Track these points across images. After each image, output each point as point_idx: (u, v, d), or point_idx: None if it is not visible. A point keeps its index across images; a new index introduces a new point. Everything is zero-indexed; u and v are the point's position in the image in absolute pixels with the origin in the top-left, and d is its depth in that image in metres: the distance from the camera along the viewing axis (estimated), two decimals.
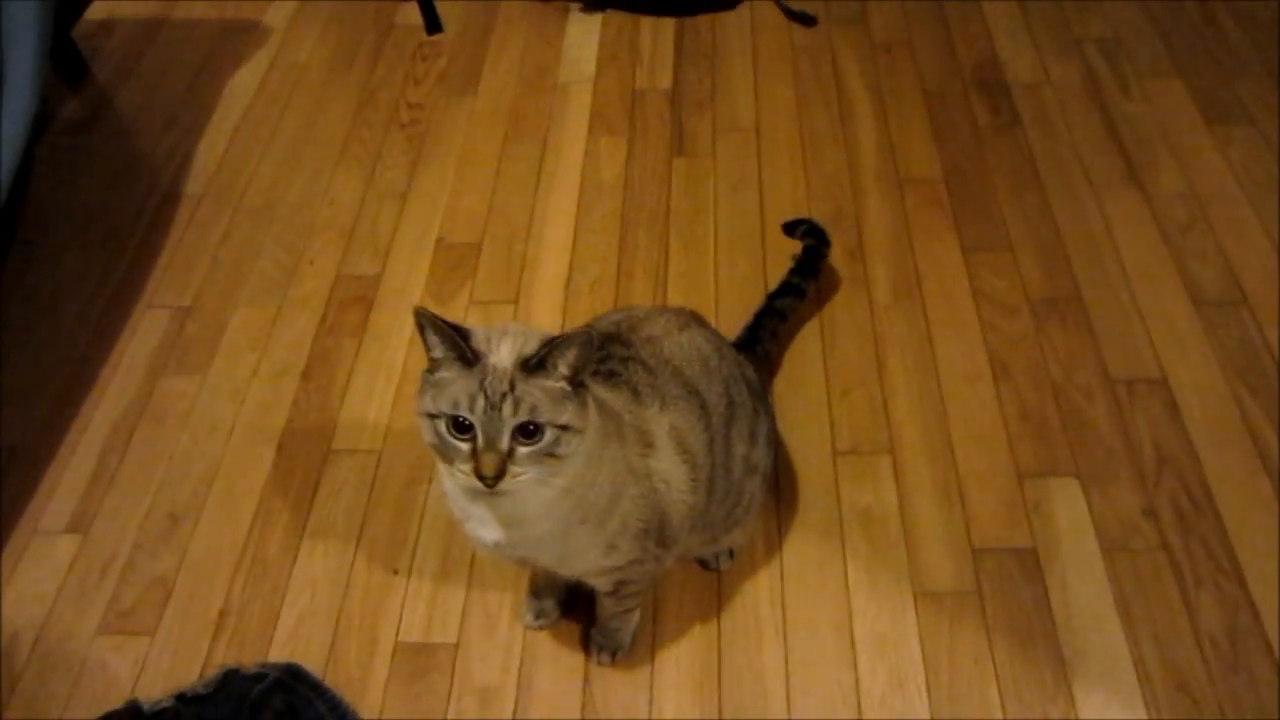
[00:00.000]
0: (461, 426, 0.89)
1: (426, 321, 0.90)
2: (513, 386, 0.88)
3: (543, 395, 0.89)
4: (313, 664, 1.24)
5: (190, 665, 1.26)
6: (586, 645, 1.25)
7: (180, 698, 1.20)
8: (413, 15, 2.18)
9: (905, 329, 1.56)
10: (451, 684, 1.23)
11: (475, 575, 1.32)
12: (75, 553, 1.37)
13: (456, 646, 1.26)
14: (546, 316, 1.60)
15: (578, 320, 1.59)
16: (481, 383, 0.88)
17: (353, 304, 1.65)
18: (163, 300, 1.68)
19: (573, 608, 1.28)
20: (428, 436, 0.93)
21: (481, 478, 0.89)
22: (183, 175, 1.90)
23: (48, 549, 1.37)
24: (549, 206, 1.77)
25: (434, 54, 2.10)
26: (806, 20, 2.07)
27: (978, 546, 1.32)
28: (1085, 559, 1.30)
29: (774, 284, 1.52)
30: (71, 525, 1.40)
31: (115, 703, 1.21)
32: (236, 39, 2.18)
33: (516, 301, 1.63)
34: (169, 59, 2.16)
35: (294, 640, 1.28)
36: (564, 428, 0.90)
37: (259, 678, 1.23)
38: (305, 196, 1.83)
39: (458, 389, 0.89)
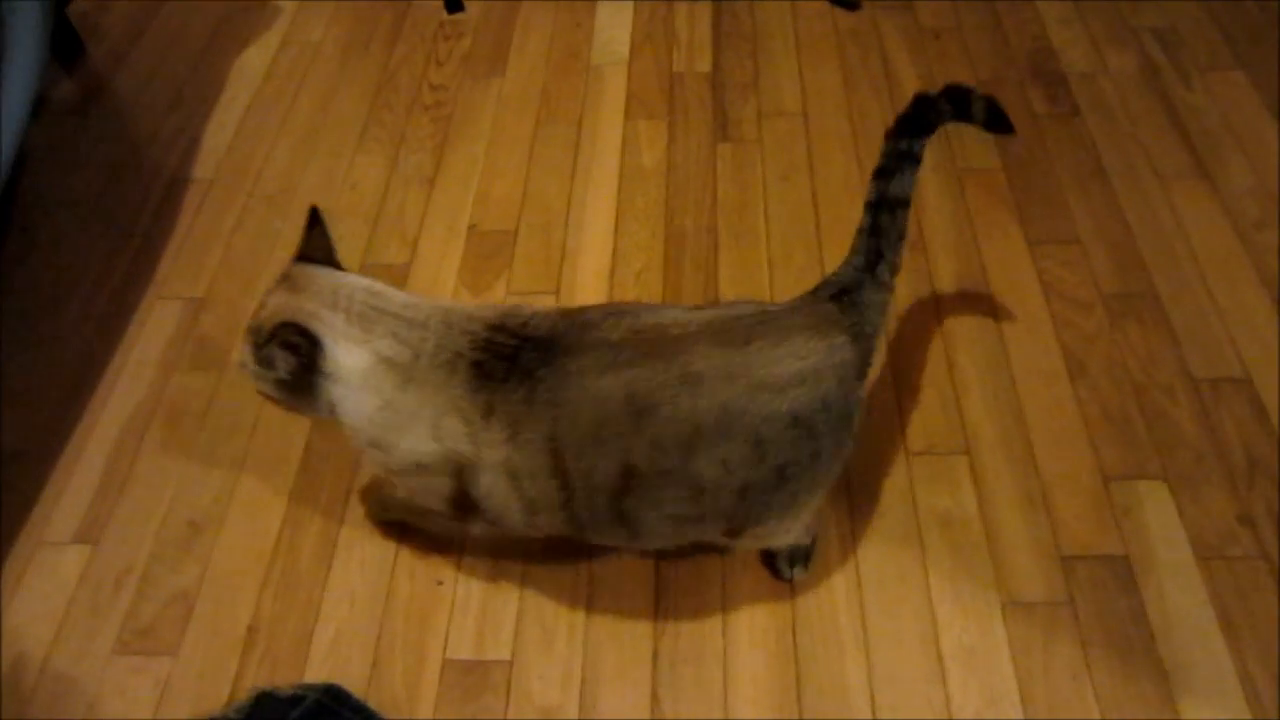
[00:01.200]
0: None
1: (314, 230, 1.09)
2: (251, 342, 1.02)
3: (263, 377, 1.02)
4: (354, 684, 1.13)
5: (218, 687, 1.15)
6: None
7: None
8: None
9: (974, 324, 1.47)
10: (508, 705, 1.13)
11: (528, 585, 1.22)
12: (85, 565, 1.25)
13: (511, 664, 1.16)
14: None
15: None
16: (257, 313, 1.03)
17: None
18: (173, 291, 1.56)
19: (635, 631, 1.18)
20: None
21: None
22: (190, 159, 1.78)
23: (54, 561, 1.25)
24: (588, 193, 1.67)
25: (456, 34, 1.99)
26: (849, 4, 1.98)
27: (1066, 554, 1.23)
28: (1180, 567, 1.22)
29: (829, 269, 1.43)
30: (80, 535, 1.28)
31: None
32: (243, 17, 2.06)
33: (558, 293, 1.53)
34: (171, 38, 2.04)
35: (332, 658, 1.17)
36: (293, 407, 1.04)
37: (296, 701, 1.12)
38: (324, 181, 1.72)
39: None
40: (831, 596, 1.21)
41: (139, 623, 1.20)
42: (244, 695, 1.12)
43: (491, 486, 0.99)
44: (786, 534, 1.14)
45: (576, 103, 1.84)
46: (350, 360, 0.98)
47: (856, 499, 1.29)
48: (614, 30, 1.98)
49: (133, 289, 1.56)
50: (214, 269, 1.58)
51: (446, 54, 1.95)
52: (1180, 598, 1.19)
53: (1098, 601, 1.19)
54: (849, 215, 1.61)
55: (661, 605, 1.20)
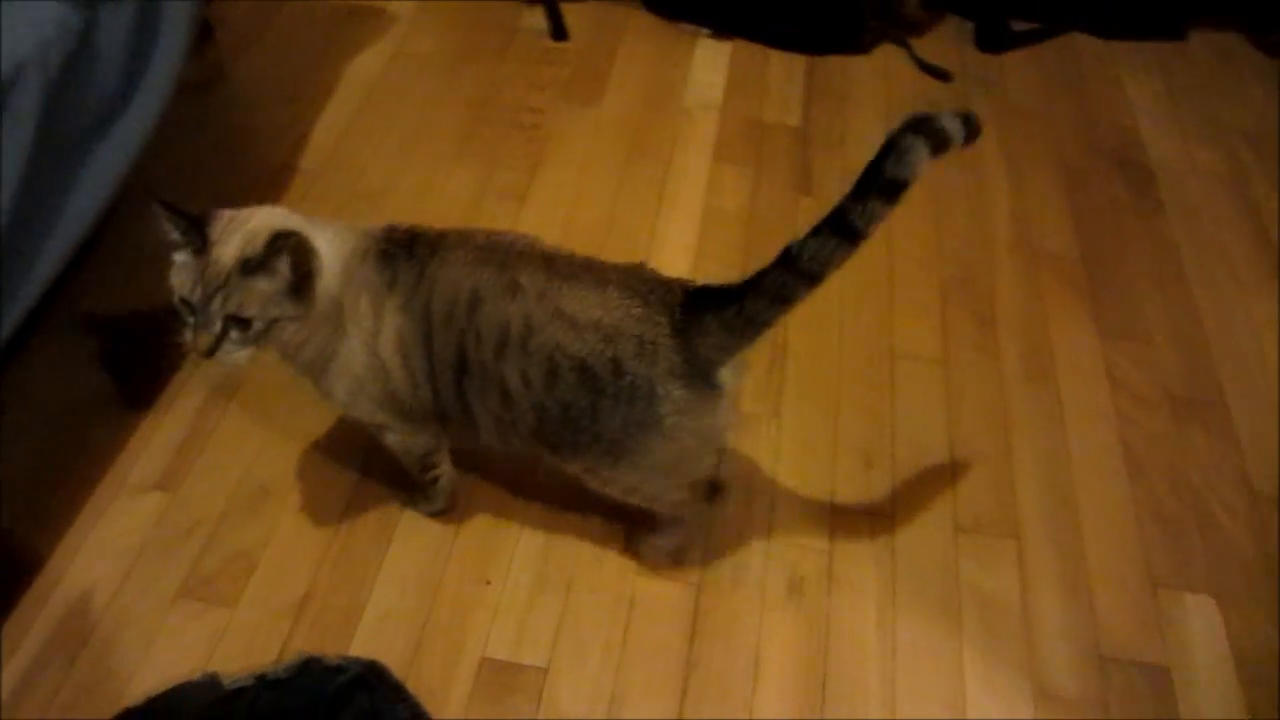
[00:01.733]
0: (187, 306, 1.02)
1: (160, 211, 1.02)
2: (227, 281, 1.00)
3: (256, 294, 1.01)
4: (394, 665, 1.16)
5: (268, 646, 1.20)
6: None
7: (260, 679, 1.14)
8: (538, 20, 2.17)
9: (1035, 408, 1.50)
10: (538, 709, 1.16)
11: (572, 598, 1.26)
12: (161, 512, 1.32)
13: (545, 671, 1.20)
14: None
15: None
16: (202, 273, 1.01)
17: None
18: None
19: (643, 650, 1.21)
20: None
21: (200, 354, 1.02)
22: (299, 151, 1.87)
23: (133, 505, 1.32)
24: (669, 228, 1.73)
25: (558, 60, 2.08)
26: (941, 75, 2.03)
27: (1105, 654, 1.24)
28: (1222, 687, 1.22)
29: (898, 335, 1.47)
30: (161, 483, 1.35)
31: (187, 671, 1.15)
32: (361, 23, 2.16)
33: None
34: (292, 35, 2.15)
35: (377, 638, 1.22)
36: (275, 320, 1.03)
37: (339, 670, 1.17)
38: (421, 187, 1.80)
39: (185, 274, 1.02)
40: (864, 656, 1.23)
41: (203, 572, 1.26)
42: (291, 657, 1.18)
43: (390, 357, 1.12)
44: (629, 494, 1.19)
45: (667, 140, 1.90)
46: (328, 250, 1.08)
47: (900, 563, 1.31)
48: (709, 74, 2.05)
49: None
50: None
51: (547, 79, 2.04)
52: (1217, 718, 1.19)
53: (1132, 708, 1.20)
54: (921, 282, 1.66)
55: (697, 637, 1.24)
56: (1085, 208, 1.79)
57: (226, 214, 1.04)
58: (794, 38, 2.08)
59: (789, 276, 1.03)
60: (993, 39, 2.11)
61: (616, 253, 1.70)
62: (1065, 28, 2.16)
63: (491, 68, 2.05)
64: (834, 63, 2.08)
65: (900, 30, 2.11)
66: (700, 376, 1.05)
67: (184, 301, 1.02)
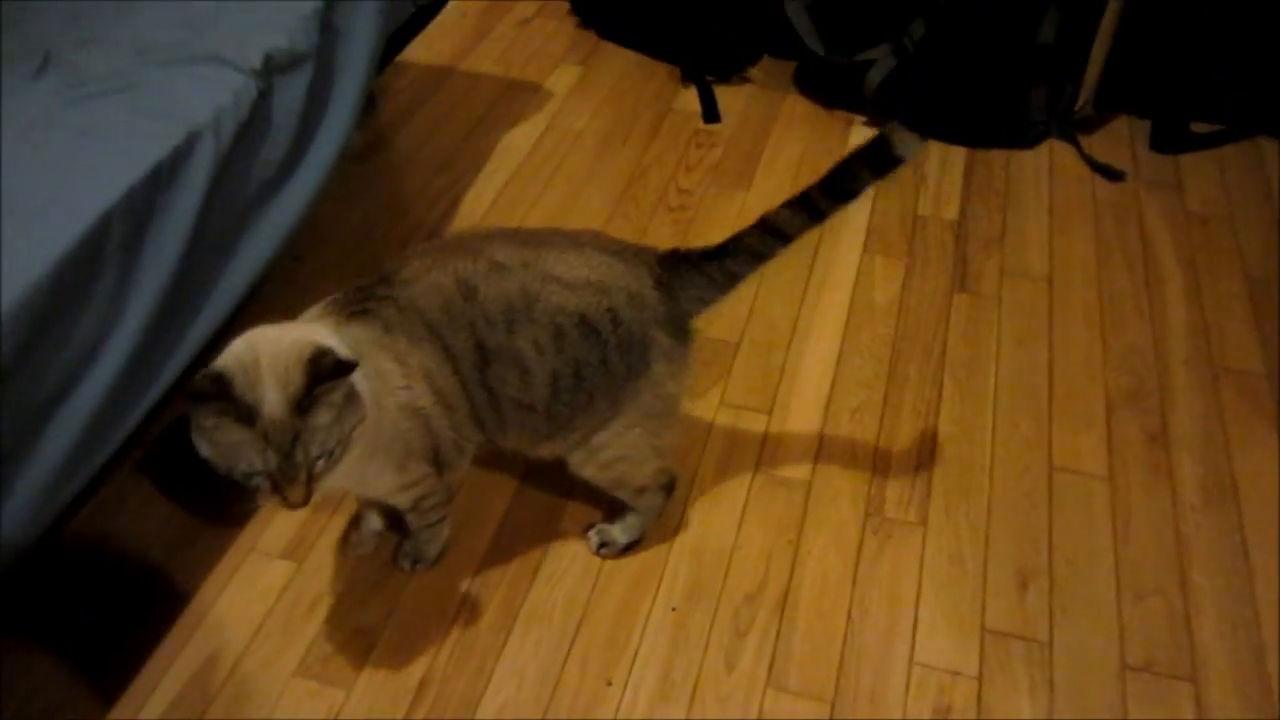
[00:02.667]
0: (258, 474, 0.94)
1: (193, 399, 0.92)
2: (293, 433, 0.93)
3: (323, 429, 0.94)
4: None
5: None
6: (395, 557, 1.32)
7: None
8: (692, 102, 2.17)
9: (1216, 537, 1.35)
10: None
11: (695, 708, 1.19)
12: (287, 581, 1.31)
13: None
14: (801, 438, 1.48)
15: (835, 448, 1.47)
16: (266, 438, 0.92)
17: None
18: None
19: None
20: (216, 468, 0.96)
21: (294, 507, 0.96)
22: (449, 219, 1.91)
23: (261, 571, 1.33)
24: (814, 319, 1.67)
25: (709, 143, 2.07)
26: (1112, 175, 1.93)
27: None
28: None
29: (1058, 447, 1.36)
30: (287, 551, 1.35)
31: None
32: (517, 98, 2.22)
33: (771, 412, 1.52)
34: (451, 107, 2.22)
35: None
36: (347, 437, 0.97)
37: None
38: None
39: (243, 449, 0.92)
40: None
41: (323, 650, 1.24)
42: None
43: (424, 399, 1.09)
44: (612, 467, 1.21)
45: (815, 229, 1.85)
46: (337, 342, 1.02)
47: (1060, 699, 1.19)
48: None
49: None
50: None
51: (697, 161, 2.03)
52: None
53: None
54: (1085, 392, 1.55)
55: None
56: (1274, 322, 1.65)
57: (229, 364, 0.94)
58: (955, 129, 2.02)
59: (768, 237, 1.15)
60: (1170, 140, 1.99)
61: (756, 342, 1.68)
62: (1250, 131, 2.02)
63: (642, 147, 2.06)
64: (996, 156, 2.00)
65: (1069, 126, 2.02)
66: (679, 326, 1.16)
67: (253, 474, 0.94)
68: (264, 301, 1.72)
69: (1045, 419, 1.51)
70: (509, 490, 1.42)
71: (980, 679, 1.22)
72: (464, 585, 1.31)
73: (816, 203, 1.12)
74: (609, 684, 1.21)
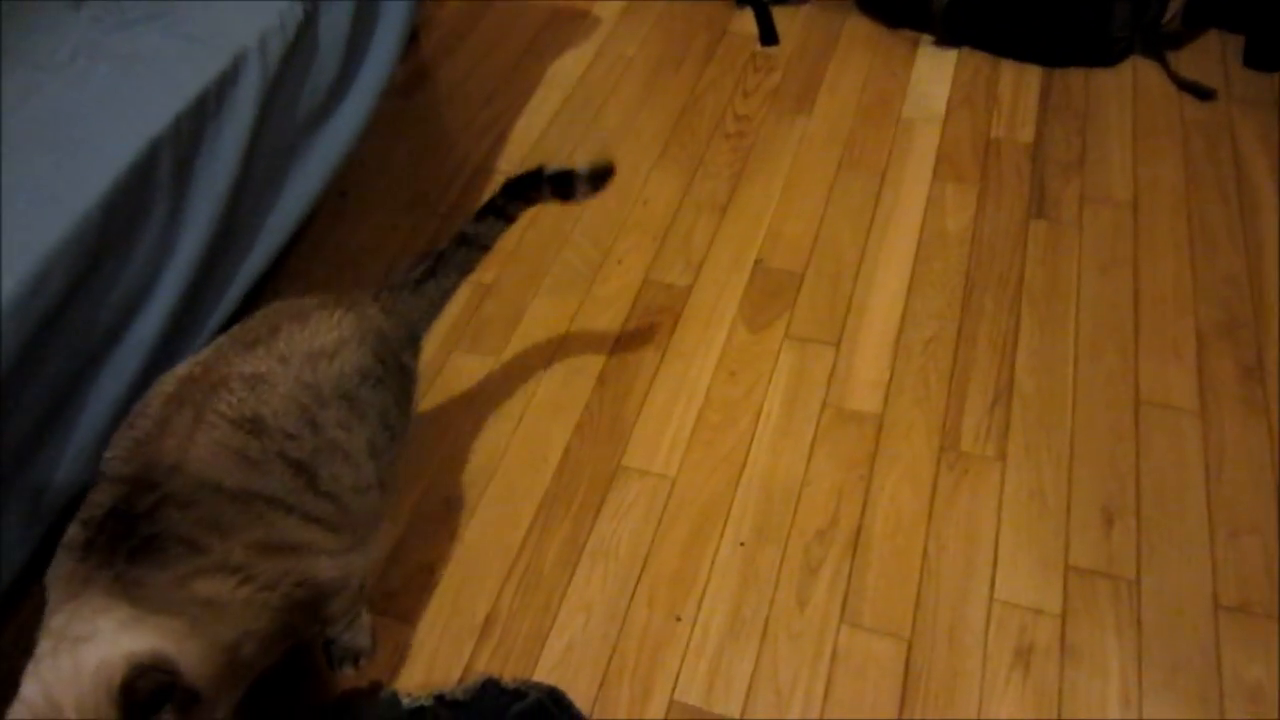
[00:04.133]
0: None
1: None
2: None
3: None
4: (578, 698, 1.10)
5: (449, 667, 1.15)
6: (330, 663, 1.11)
7: (439, 699, 1.10)
8: (748, 24, 2.07)
9: None
10: None
11: (768, 643, 1.15)
12: None
13: None
14: (872, 371, 1.43)
15: (907, 381, 1.41)
16: None
17: (659, 313, 1.53)
18: None
19: None
20: None
21: None
22: (497, 152, 1.85)
23: None
24: (883, 248, 1.60)
25: (767, 66, 1.98)
26: (1202, 93, 1.81)
27: None
28: None
29: (1145, 380, 1.29)
30: None
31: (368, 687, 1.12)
32: (565, 25, 2.14)
33: (839, 345, 1.46)
34: (495, 36, 2.14)
35: (561, 667, 1.14)
36: None
37: (519, 695, 1.11)
38: (618, 193, 1.74)
39: None
40: None
41: (388, 585, 1.22)
42: (472, 679, 1.12)
43: (278, 574, 0.91)
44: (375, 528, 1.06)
45: (882, 154, 1.77)
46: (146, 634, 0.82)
47: (1148, 639, 1.14)
48: (932, 84, 1.90)
49: None
50: (504, 259, 1.63)
51: (755, 85, 1.94)
52: None
53: None
54: (1174, 323, 1.47)
55: (908, 701, 1.10)
56: None
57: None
58: (1030, 47, 1.90)
59: (469, 249, 1.20)
60: (1267, 55, 1.85)
61: (823, 271, 1.62)
62: None
63: (696, 72, 1.98)
64: (1074, 75, 1.88)
65: (1156, 42, 1.89)
66: (416, 347, 1.17)
67: None
68: (312, 240, 1.69)
69: (1131, 351, 1.43)
70: (569, 426, 1.38)
71: (1064, 617, 1.17)
72: (527, 521, 1.28)
73: (504, 208, 1.22)
74: (678, 619, 1.18)
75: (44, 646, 0.79)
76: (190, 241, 1.16)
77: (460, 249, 1.20)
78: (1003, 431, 1.35)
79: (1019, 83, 1.88)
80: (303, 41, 1.29)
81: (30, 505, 1.03)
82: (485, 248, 1.22)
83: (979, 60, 1.93)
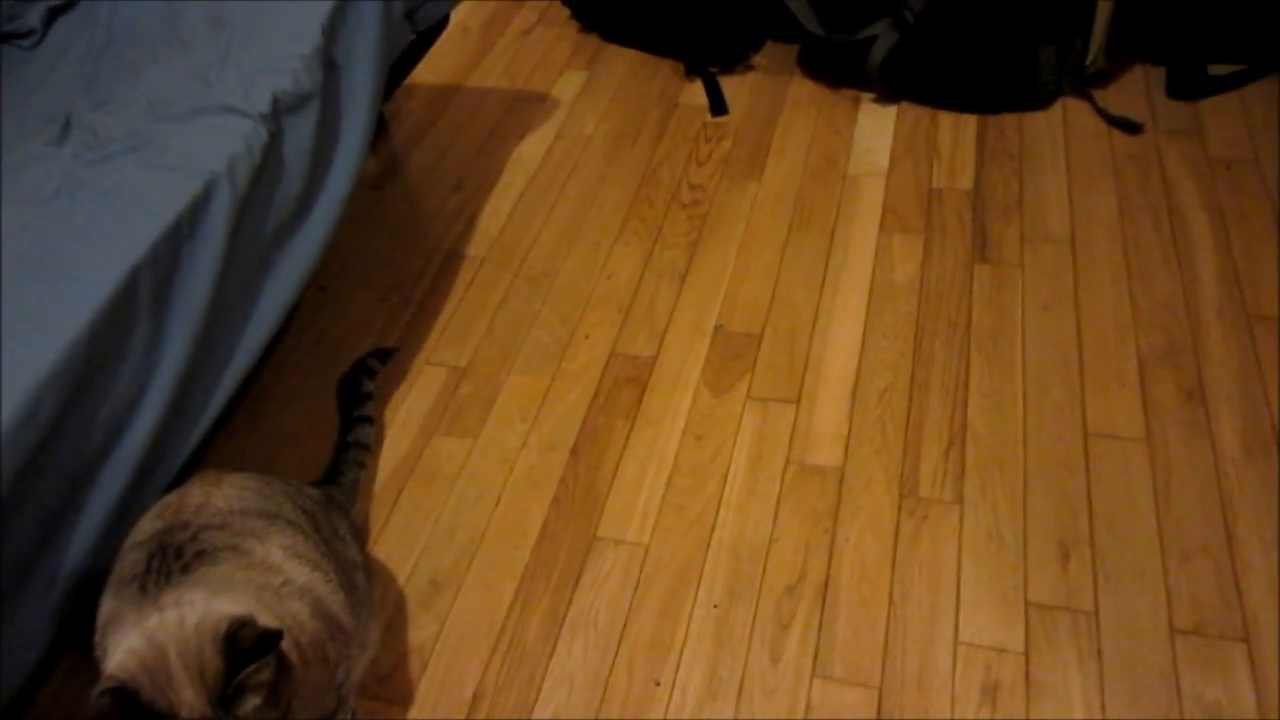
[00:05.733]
0: None
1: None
2: None
3: (256, 710, 0.82)
4: None
5: None
6: None
7: None
8: (698, 95, 2.18)
9: (1261, 491, 1.33)
10: None
11: (744, 702, 1.20)
12: None
13: None
14: (831, 425, 1.49)
15: (865, 433, 1.47)
16: None
17: (626, 384, 1.60)
18: (440, 358, 1.69)
19: None
20: None
21: None
22: (466, 237, 1.94)
23: None
24: (835, 303, 1.67)
25: (718, 135, 2.08)
26: (1130, 127, 1.89)
27: None
28: None
29: (1092, 412, 1.34)
30: None
31: None
32: (526, 108, 2.24)
33: (799, 402, 1.53)
34: (461, 124, 2.24)
35: None
36: (287, 705, 0.86)
37: None
38: (584, 268, 1.82)
39: None
40: None
41: (379, 670, 1.28)
42: None
43: (308, 580, 1.04)
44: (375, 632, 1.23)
45: (830, 211, 1.85)
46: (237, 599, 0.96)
47: (1109, 668, 1.19)
48: (874, 140, 1.99)
49: (406, 352, 1.70)
50: (478, 341, 1.71)
51: (707, 154, 2.03)
52: None
53: None
54: (1116, 353, 1.53)
55: None
56: None
57: (130, 668, 0.82)
58: (964, 97, 2.00)
59: (357, 450, 1.48)
60: (1187, 86, 1.95)
61: (780, 331, 1.69)
62: (1272, 69, 1.97)
63: (651, 146, 2.07)
64: (1009, 120, 1.98)
65: (1082, 81, 1.98)
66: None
67: None
68: (295, 333, 1.77)
69: (1077, 384, 1.50)
70: (546, 500, 1.44)
71: (1027, 654, 1.22)
72: (509, 596, 1.34)
73: (354, 420, 1.50)
74: (657, 684, 1.23)
75: (131, 635, 0.86)
76: (172, 357, 1.23)
77: (347, 453, 1.46)
78: (958, 474, 1.41)
79: (957, 131, 1.97)
80: (269, 161, 1.38)
81: (43, 592, 1.09)
82: (367, 447, 1.49)
83: (918, 113, 2.02)
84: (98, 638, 0.96)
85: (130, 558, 0.99)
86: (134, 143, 1.35)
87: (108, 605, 0.95)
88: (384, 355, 1.66)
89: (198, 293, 1.27)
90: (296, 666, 0.88)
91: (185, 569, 0.94)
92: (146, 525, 1.04)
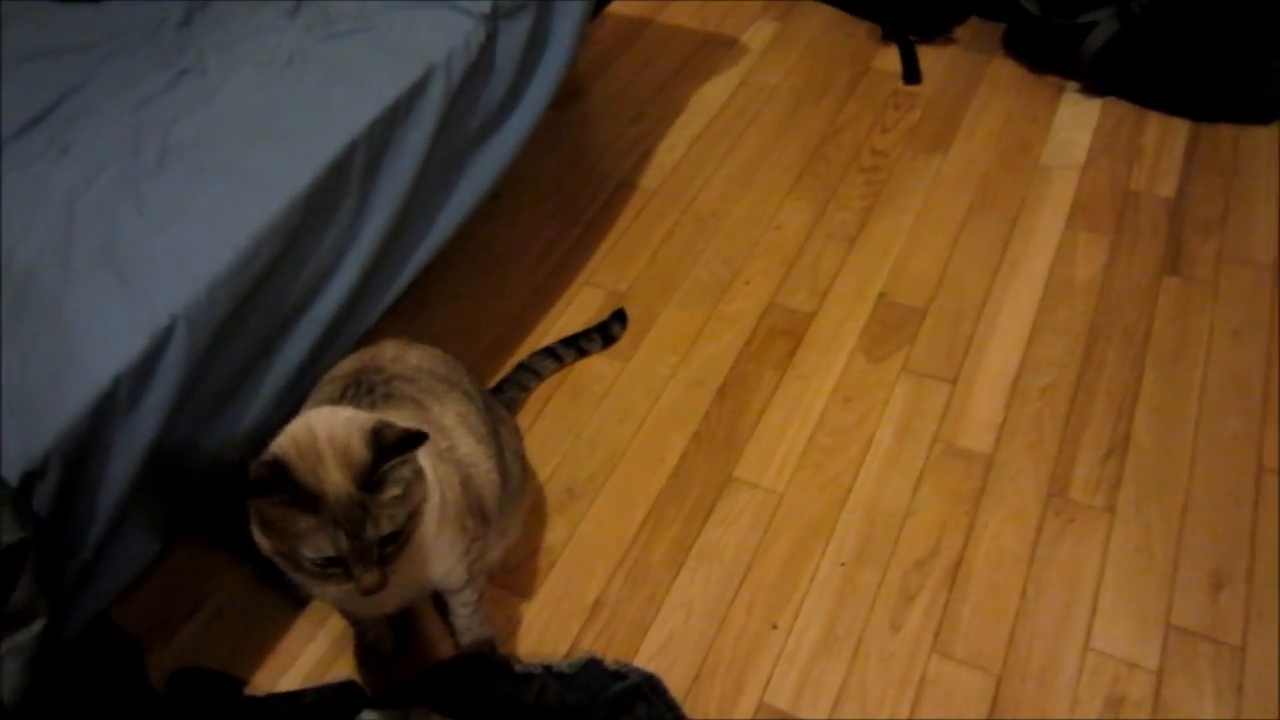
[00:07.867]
0: (329, 561, 0.89)
1: (252, 490, 0.87)
2: (365, 508, 0.87)
3: (395, 501, 0.89)
4: (672, 689, 1.18)
5: (557, 642, 1.25)
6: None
7: (547, 669, 1.20)
8: (892, 61, 2.12)
9: None
10: None
11: (859, 661, 1.21)
12: None
13: None
14: (985, 412, 1.46)
15: (1020, 425, 1.43)
16: (335, 521, 0.86)
17: (781, 335, 1.60)
18: (600, 281, 1.72)
19: None
20: (280, 564, 0.92)
21: (369, 592, 0.90)
22: (640, 169, 1.96)
23: None
24: (1008, 292, 1.62)
25: (908, 104, 2.02)
26: None
27: None
28: None
29: (1270, 448, 1.28)
30: None
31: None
32: (713, 51, 2.23)
33: (955, 382, 1.50)
34: (647, 58, 2.25)
35: (660, 657, 1.23)
36: (417, 511, 0.92)
37: (619, 675, 1.20)
38: (752, 216, 1.82)
39: (311, 535, 0.87)
40: None
41: (508, 562, 1.32)
42: (577, 655, 1.22)
43: (471, 451, 1.10)
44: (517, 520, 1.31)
45: (1016, 198, 1.79)
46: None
47: (1249, 706, 1.14)
48: (1073, 131, 1.91)
49: (567, 270, 1.74)
50: (639, 270, 1.73)
51: (894, 122, 1.99)
52: None
53: None
54: None
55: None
56: None
57: (286, 449, 0.89)
58: (1179, 100, 1.89)
59: (528, 375, 1.53)
60: None
61: (945, 309, 1.65)
62: None
63: (837, 105, 2.04)
64: (1224, 131, 1.86)
65: None
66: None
67: (324, 561, 0.88)
68: (463, 235, 1.82)
69: (1258, 417, 1.42)
70: (687, 433, 1.46)
71: (1160, 674, 1.18)
72: (640, 517, 1.37)
73: (559, 352, 1.55)
74: (774, 627, 1.25)
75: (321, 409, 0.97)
76: (371, 232, 1.29)
77: (521, 373, 1.51)
78: (1114, 484, 1.37)
79: (1164, 135, 1.87)
80: (482, 60, 1.42)
81: (221, 444, 1.17)
82: (540, 375, 1.53)
83: (1124, 110, 1.93)
84: None
85: (326, 389, 1.09)
86: (362, 24, 1.41)
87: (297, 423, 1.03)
88: (622, 318, 1.63)
89: (402, 175, 1.32)
90: (429, 484, 0.95)
91: (372, 405, 1.03)
92: (346, 364, 1.13)
